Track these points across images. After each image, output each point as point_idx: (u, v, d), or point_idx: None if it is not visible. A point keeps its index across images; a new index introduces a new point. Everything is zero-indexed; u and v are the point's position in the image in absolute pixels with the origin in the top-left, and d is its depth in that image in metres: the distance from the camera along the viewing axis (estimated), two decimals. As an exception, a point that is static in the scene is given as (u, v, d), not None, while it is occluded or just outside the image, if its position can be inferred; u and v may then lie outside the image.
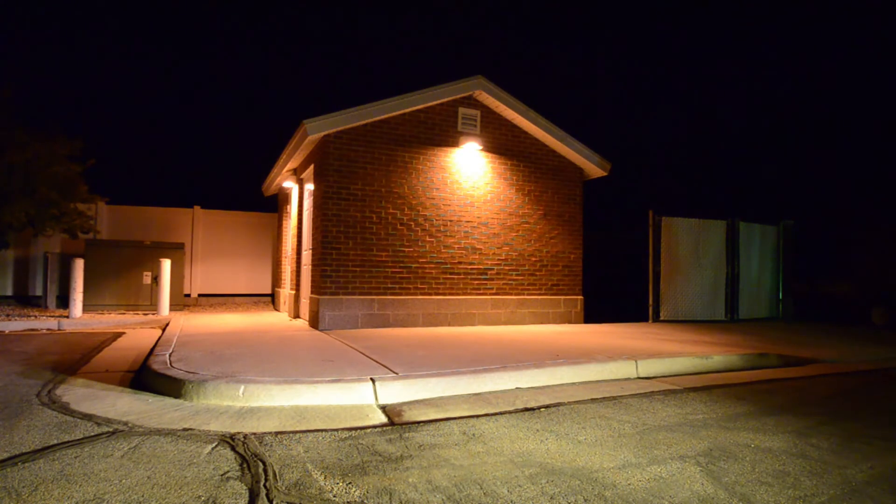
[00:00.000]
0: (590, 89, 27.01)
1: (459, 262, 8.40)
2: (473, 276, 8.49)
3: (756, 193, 18.08)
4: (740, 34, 25.78)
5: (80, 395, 3.78)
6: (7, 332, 7.44)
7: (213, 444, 2.78)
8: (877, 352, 6.59)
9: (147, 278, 10.41)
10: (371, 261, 7.80)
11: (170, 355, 4.80)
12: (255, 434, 2.97)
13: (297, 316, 9.38)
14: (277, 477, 2.37)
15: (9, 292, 10.75)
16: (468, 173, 8.53)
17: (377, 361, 4.72)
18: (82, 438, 2.83)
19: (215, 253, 12.42)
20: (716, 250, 10.61)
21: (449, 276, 8.31)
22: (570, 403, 3.81)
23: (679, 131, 23.40)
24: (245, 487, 2.25)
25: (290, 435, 2.97)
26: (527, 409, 3.61)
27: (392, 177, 8.00)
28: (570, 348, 5.76)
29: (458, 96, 8.38)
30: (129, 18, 25.93)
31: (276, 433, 2.99)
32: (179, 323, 8.04)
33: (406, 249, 8.03)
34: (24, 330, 7.70)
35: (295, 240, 9.68)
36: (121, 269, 10.24)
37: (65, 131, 9.46)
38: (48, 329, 7.86)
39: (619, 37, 29.21)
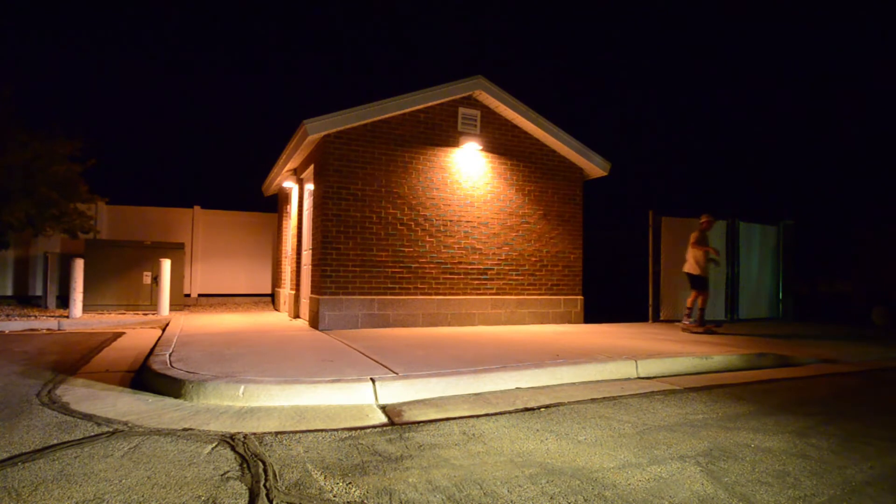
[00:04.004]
0: (590, 89, 27.00)
1: (459, 262, 8.40)
2: (473, 276, 8.49)
3: (756, 193, 18.08)
4: (741, 34, 25.77)
5: (80, 395, 3.78)
6: (7, 331, 7.44)
7: (213, 444, 2.78)
8: (877, 352, 6.58)
9: (147, 278, 10.40)
10: (371, 261, 7.80)
11: (170, 355, 4.80)
12: (255, 434, 2.97)
13: (297, 316, 9.38)
14: (277, 477, 2.37)
15: (9, 292, 10.75)
16: (468, 173, 8.53)
17: (377, 361, 4.72)
18: (82, 438, 2.83)
19: (215, 253, 12.41)
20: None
21: (449, 276, 8.31)
22: (570, 403, 3.81)
23: (679, 131, 23.40)
24: (245, 487, 2.25)
25: (290, 435, 2.97)
26: (527, 409, 3.61)
27: (392, 177, 8.00)
28: (570, 348, 5.76)
29: (458, 96, 8.37)
30: (130, 18, 25.93)
31: (276, 433, 2.99)
32: (179, 323, 8.04)
33: (406, 249, 8.03)
34: (24, 330, 7.70)
35: (295, 240, 9.68)
36: (121, 269, 10.24)
37: (65, 131, 9.46)
38: (48, 329, 7.86)
39: (620, 37, 29.19)
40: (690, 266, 8.26)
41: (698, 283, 8.20)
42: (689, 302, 8.29)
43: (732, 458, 2.73)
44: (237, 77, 27.60)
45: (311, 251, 8.47)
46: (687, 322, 8.16)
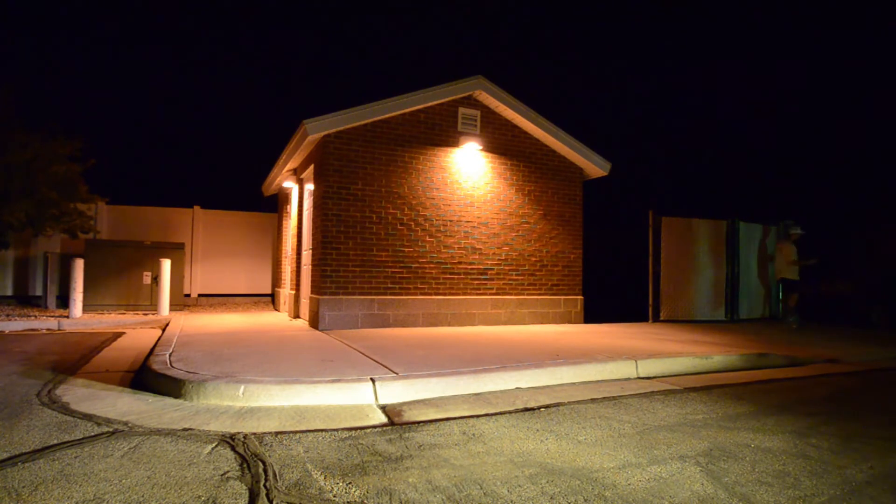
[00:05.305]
0: (590, 89, 27.01)
1: (459, 262, 8.40)
2: (473, 276, 8.49)
3: (756, 193, 18.07)
4: (740, 34, 25.78)
5: (80, 395, 3.78)
6: (7, 332, 7.44)
7: (213, 444, 2.78)
8: (877, 352, 6.58)
9: (147, 278, 10.40)
10: (371, 261, 7.80)
11: (170, 355, 4.80)
12: (255, 434, 2.97)
13: (297, 316, 9.38)
14: (277, 477, 2.37)
15: (9, 292, 10.75)
16: (468, 173, 8.53)
17: (377, 361, 4.72)
18: (82, 438, 2.83)
19: (215, 253, 12.42)
20: (716, 250, 10.61)
21: (449, 276, 8.31)
22: (570, 403, 3.81)
23: (679, 131, 23.39)
24: (245, 487, 2.25)
25: (290, 435, 2.97)
26: (527, 409, 3.61)
27: (392, 177, 8.00)
28: (570, 348, 5.76)
29: (458, 96, 8.37)
30: (130, 18, 25.93)
31: (276, 433, 2.99)
32: (179, 323, 8.04)
33: (406, 249, 8.03)
34: (24, 330, 7.70)
35: (295, 240, 9.68)
36: (121, 269, 10.24)
37: (65, 131, 9.46)
38: (48, 329, 7.86)
39: (620, 37, 29.21)
40: (788, 272, 9.58)
41: (797, 286, 9.62)
42: (791, 303, 9.58)
43: (732, 458, 2.73)
44: (237, 77, 27.60)
45: (311, 251, 8.47)
46: (791, 319, 9.43)
